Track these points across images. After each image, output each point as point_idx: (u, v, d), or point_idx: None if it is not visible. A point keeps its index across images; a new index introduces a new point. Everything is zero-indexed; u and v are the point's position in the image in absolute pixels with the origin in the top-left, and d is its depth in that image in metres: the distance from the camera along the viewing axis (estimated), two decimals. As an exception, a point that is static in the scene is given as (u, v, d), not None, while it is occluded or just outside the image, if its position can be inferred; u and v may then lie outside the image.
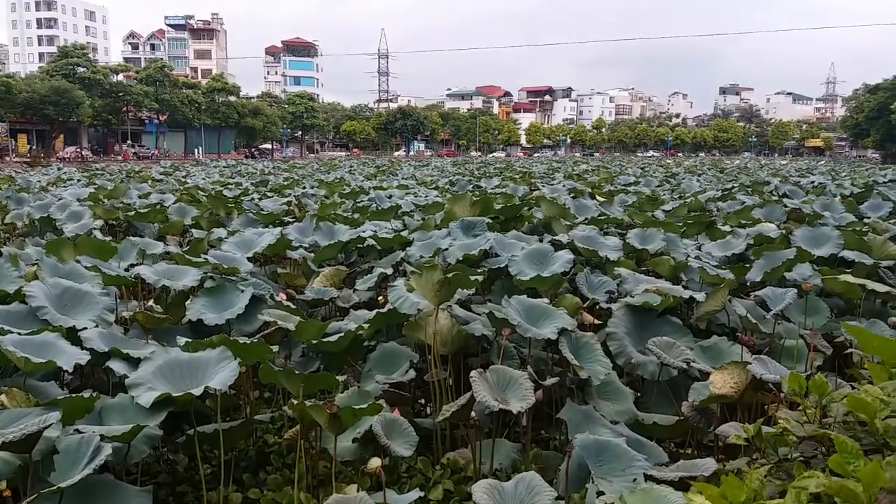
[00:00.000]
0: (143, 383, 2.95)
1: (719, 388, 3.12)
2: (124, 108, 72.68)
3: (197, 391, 2.80)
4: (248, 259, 5.50)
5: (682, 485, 2.32)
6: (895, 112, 73.22)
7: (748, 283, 5.33)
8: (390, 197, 11.57)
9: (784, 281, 5.27)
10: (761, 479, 1.61)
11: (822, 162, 62.78)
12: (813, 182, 18.05)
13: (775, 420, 1.92)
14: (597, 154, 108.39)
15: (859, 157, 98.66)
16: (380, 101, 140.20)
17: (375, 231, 6.85)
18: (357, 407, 2.68)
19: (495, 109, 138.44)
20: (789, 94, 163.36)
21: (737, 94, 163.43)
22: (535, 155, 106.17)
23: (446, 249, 5.70)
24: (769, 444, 1.82)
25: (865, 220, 8.56)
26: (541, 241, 6.03)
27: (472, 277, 3.78)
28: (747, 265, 5.57)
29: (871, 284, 2.48)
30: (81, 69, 68.27)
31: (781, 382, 1.97)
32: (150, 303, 5.21)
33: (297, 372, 3.04)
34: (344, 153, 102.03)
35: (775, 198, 11.49)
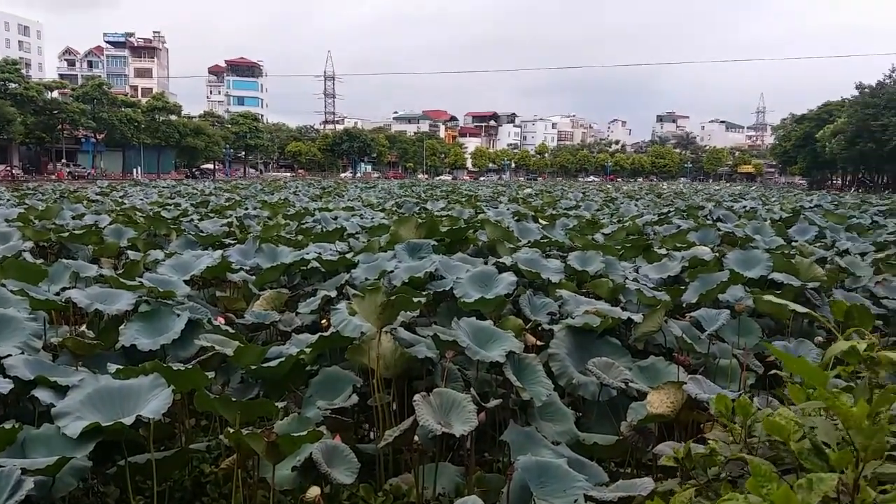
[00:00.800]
0: (71, 413, 2.82)
1: (656, 408, 3.16)
2: (59, 126, 70.52)
3: (128, 420, 2.70)
4: (186, 282, 5.35)
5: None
6: (819, 141, 76.58)
7: (684, 305, 5.43)
8: (336, 219, 11.47)
9: (718, 302, 5.40)
10: (685, 501, 1.63)
11: (754, 188, 64.98)
12: (745, 207, 18.67)
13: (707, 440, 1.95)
14: (539, 179, 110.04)
15: (788, 183, 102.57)
16: (326, 122, 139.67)
17: (320, 253, 6.75)
18: (296, 434, 2.62)
19: (442, 133, 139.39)
20: (723, 122, 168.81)
21: (673, 121, 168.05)
22: (481, 178, 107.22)
23: (391, 272, 5.65)
24: (699, 465, 1.85)
25: (794, 244, 8.87)
26: (485, 263, 6.05)
27: (416, 299, 3.76)
28: (683, 287, 5.69)
29: (792, 305, 2.56)
30: (13, 85, 65.91)
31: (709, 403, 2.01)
32: (83, 328, 5.02)
33: (233, 399, 2.96)
34: (289, 174, 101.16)
35: (709, 222, 11.81)
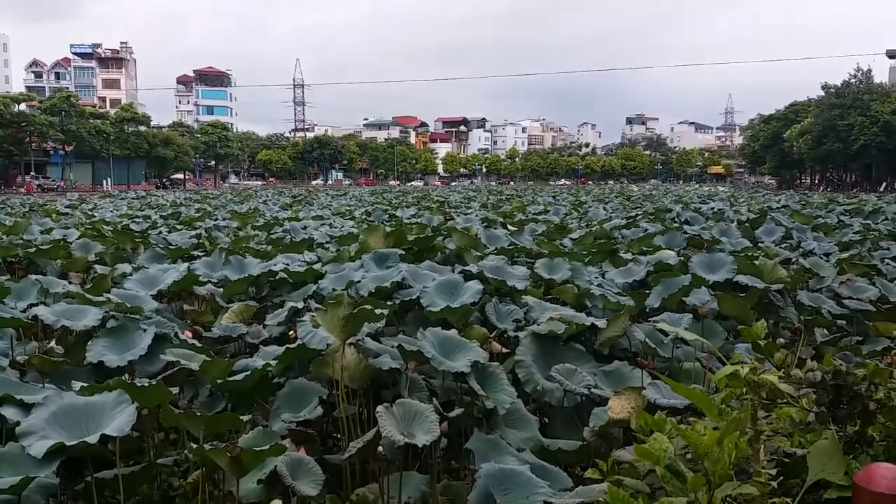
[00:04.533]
0: (36, 431, 2.82)
1: (617, 413, 3.22)
2: (27, 139, 69.53)
3: (92, 439, 2.70)
4: (154, 296, 5.35)
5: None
6: (787, 141, 77.77)
7: (647, 309, 5.52)
8: (305, 228, 11.48)
9: (682, 306, 5.48)
10: None
11: (723, 188, 65.79)
12: (713, 208, 18.91)
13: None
14: (511, 183, 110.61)
15: (757, 183, 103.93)
16: (296, 130, 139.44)
17: (287, 264, 6.77)
18: (259, 448, 2.65)
19: (412, 139, 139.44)
20: (692, 123, 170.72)
21: (643, 123, 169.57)
22: (453, 184, 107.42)
23: (359, 282, 5.69)
24: (623, 477, 1.93)
25: (760, 245, 9.03)
26: (453, 271, 6.11)
27: (378, 311, 3.79)
28: (648, 291, 5.78)
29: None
30: (-21, 99, 64.96)
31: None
32: (52, 344, 5.00)
33: (198, 413, 2.98)
34: (260, 182, 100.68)
35: (676, 225, 11.96)
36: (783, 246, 9.35)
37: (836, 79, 75.11)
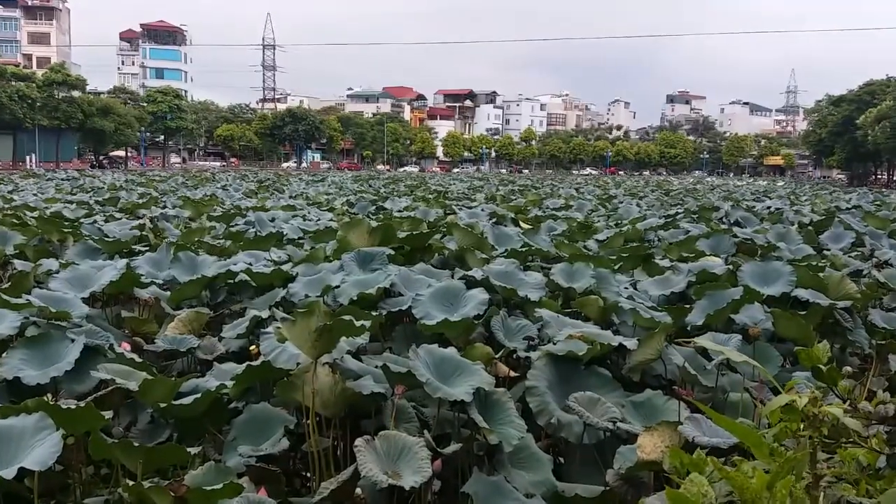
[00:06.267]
0: (-63, 463, 2.82)
1: (648, 454, 3.22)
2: (-66, 104, 69.58)
3: (8, 473, 2.70)
4: (85, 300, 5.36)
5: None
6: (861, 127, 77.61)
7: (689, 328, 5.51)
8: (273, 220, 11.50)
9: (731, 325, 5.48)
10: None
11: (782, 183, 65.97)
12: (769, 208, 18.93)
13: None
14: (526, 171, 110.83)
15: (824, 177, 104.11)
16: (265, 100, 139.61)
17: (250, 264, 6.78)
18: (209, 488, 2.64)
19: (406, 115, 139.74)
20: (746, 103, 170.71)
21: (687, 102, 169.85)
22: (455, 170, 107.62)
23: (337, 287, 5.69)
24: None
25: (825, 254, 9.03)
26: (452, 276, 6.11)
27: (359, 323, 3.79)
28: (688, 306, 5.77)
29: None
30: None
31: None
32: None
33: (136, 444, 2.98)
34: (219, 163, 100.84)
35: (725, 226, 11.97)
36: (853, 255, 9.36)
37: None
